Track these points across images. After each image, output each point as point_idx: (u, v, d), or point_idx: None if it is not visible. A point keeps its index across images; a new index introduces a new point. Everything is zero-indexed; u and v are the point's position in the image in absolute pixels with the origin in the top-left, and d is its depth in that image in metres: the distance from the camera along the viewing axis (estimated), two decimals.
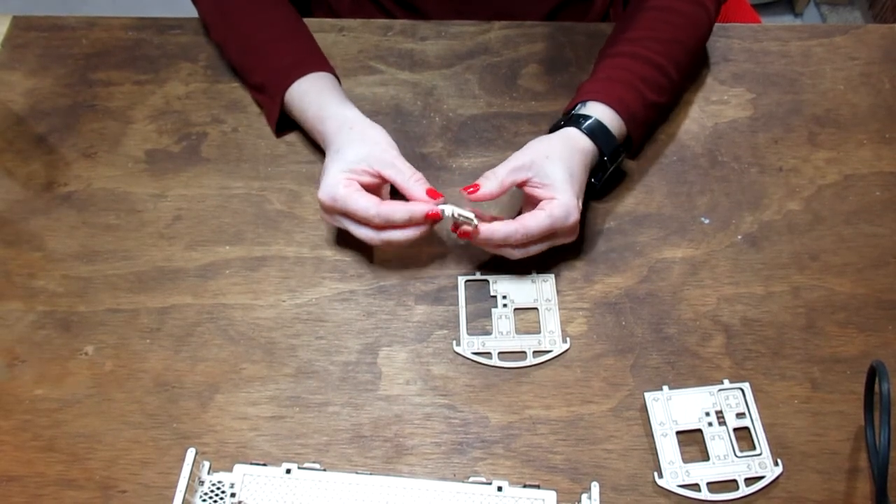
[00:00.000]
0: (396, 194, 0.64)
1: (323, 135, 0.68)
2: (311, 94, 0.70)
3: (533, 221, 0.61)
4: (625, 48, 0.71)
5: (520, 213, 0.67)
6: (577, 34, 0.82)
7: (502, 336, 0.64)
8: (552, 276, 0.67)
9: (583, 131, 0.66)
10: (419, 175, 0.63)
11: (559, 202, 0.61)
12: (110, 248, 0.68)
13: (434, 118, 0.76)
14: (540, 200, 0.62)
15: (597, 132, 0.66)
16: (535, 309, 0.65)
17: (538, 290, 0.66)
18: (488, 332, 0.64)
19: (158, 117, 0.76)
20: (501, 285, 0.66)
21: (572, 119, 0.67)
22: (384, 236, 0.62)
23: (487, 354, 0.63)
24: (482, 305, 0.65)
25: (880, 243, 0.69)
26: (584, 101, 0.69)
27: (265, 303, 0.65)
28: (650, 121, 0.72)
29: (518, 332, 0.64)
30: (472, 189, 0.63)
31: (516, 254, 0.63)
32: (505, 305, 0.65)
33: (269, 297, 0.66)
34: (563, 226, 0.62)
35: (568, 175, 0.63)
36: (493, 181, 0.63)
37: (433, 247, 0.69)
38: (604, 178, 0.69)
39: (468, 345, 0.63)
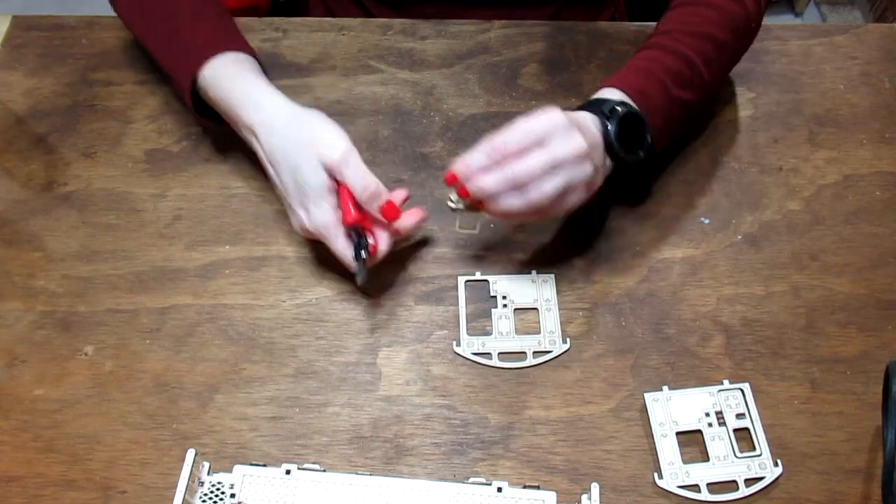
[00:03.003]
0: None
1: (252, 135, 0.63)
2: (225, 82, 0.64)
3: (505, 131, 0.57)
4: (652, 41, 0.69)
5: None
6: (577, 34, 0.82)
7: (502, 336, 0.64)
8: (552, 276, 0.67)
9: (589, 111, 0.62)
10: (373, 187, 0.59)
11: (541, 108, 0.57)
12: (110, 248, 0.68)
13: (434, 118, 0.76)
14: None
15: (596, 105, 0.62)
16: (535, 309, 0.65)
17: (538, 291, 0.66)
18: (488, 333, 0.64)
19: (158, 117, 0.76)
20: (501, 285, 0.66)
21: (584, 105, 0.64)
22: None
23: (487, 355, 0.63)
24: (482, 306, 0.65)
25: (880, 243, 0.69)
26: (601, 89, 0.65)
27: (265, 303, 0.65)
28: (674, 114, 0.66)
29: (518, 332, 0.64)
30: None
31: (530, 197, 0.57)
32: (505, 306, 0.65)
33: (269, 298, 0.66)
34: (543, 129, 0.56)
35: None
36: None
37: (433, 247, 0.69)
38: (613, 133, 0.61)
39: (468, 345, 0.63)
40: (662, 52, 0.67)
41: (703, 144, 0.75)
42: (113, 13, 0.75)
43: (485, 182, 0.57)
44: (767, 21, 0.76)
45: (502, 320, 0.65)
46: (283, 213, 0.70)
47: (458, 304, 0.65)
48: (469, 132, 0.75)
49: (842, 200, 0.71)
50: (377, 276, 0.67)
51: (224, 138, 0.75)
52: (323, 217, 0.60)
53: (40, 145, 0.75)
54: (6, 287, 0.66)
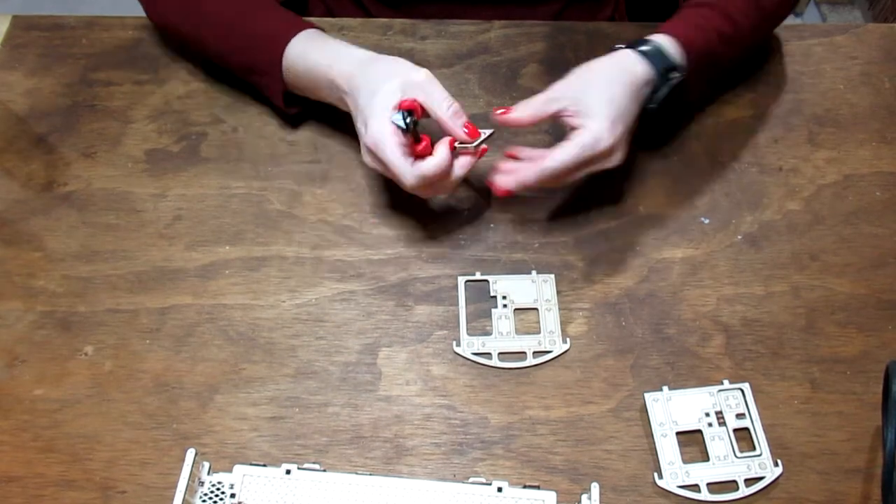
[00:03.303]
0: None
1: (340, 88, 0.64)
2: (313, 53, 0.66)
3: (560, 154, 0.60)
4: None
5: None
6: (577, 34, 0.82)
7: (502, 336, 0.64)
8: (552, 276, 0.67)
9: (637, 52, 0.65)
10: (456, 106, 0.62)
11: (588, 129, 0.61)
12: (110, 248, 0.68)
13: None
14: (573, 129, 0.62)
15: (651, 53, 0.65)
16: (535, 309, 0.65)
17: (538, 291, 0.66)
18: (488, 333, 0.64)
19: (158, 117, 0.76)
20: (501, 285, 0.66)
21: (630, 43, 0.66)
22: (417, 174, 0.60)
23: (487, 355, 0.63)
24: (482, 306, 0.65)
25: (880, 243, 0.69)
26: (661, 34, 0.68)
27: (265, 303, 0.65)
28: (711, 70, 0.70)
29: (518, 332, 0.64)
30: (502, 111, 0.63)
31: (552, 185, 0.63)
32: (505, 306, 0.65)
33: (269, 298, 0.66)
34: (594, 153, 0.61)
35: (605, 101, 0.62)
36: (524, 108, 0.63)
37: (433, 247, 0.69)
38: (659, 98, 0.66)
39: (468, 345, 0.63)
40: (716, 13, 0.69)
41: (703, 144, 0.75)
42: (113, 14, 0.75)
43: (528, 181, 0.62)
44: None
45: (502, 320, 0.65)
46: (283, 213, 0.70)
47: (458, 304, 0.65)
48: None
49: (842, 200, 0.71)
50: (377, 277, 0.67)
51: (224, 138, 0.75)
52: (380, 127, 0.60)
53: (40, 145, 0.75)
54: (6, 287, 0.66)
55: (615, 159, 0.63)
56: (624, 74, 0.64)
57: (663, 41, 0.66)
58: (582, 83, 0.63)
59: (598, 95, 0.62)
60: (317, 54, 0.66)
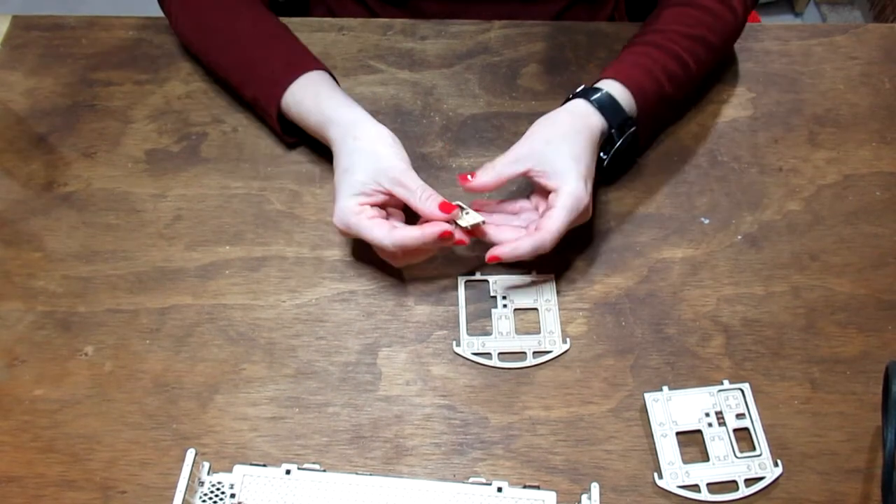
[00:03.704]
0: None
1: (330, 143, 0.66)
2: (307, 102, 0.68)
3: (553, 224, 0.60)
4: (648, 38, 0.71)
5: (528, 198, 0.67)
6: (577, 34, 0.82)
7: (502, 336, 0.64)
8: (552, 276, 0.67)
9: (591, 103, 0.65)
10: (429, 191, 0.61)
11: (567, 191, 0.61)
12: (110, 248, 0.68)
13: (434, 118, 0.76)
14: (546, 189, 0.62)
15: (605, 104, 0.65)
16: (536, 309, 0.65)
17: (538, 291, 0.66)
18: (488, 333, 0.64)
19: (158, 117, 0.76)
20: (501, 285, 0.66)
21: (582, 91, 0.67)
22: (397, 241, 0.60)
23: (487, 355, 0.63)
24: (482, 306, 0.65)
25: (880, 243, 0.69)
26: (599, 80, 0.68)
27: (265, 303, 0.65)
28: (661, 112, 0.71)
29: (518, 332, 0.64)
30: (468, 177, 0.63)
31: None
32: (505, 306, 0.65)
33: (269, 298, 0.66)
34: (577, 213, 0.61)
35: (571, 159, 0.62)
36: (489, 172, 0.63)
37: None
38: (612, 153, 0.67)
39: (468, 345, 0.63)
40: (662, 53, 0.69)
41: (703, 144, 0.75)
42: (113, 14, 0.75)
43: (519, 252, 0.61)
44: (767, 21, 0.76)
45: (502, 320, 0.65)
46: (283, 213, 0.70)
47: (458, 304, 0.65)
48: (469, 132, 0.75)
49: (842, 200, 0.71)
50: (377, 277, 0.67)
51: (224, 138, 0.75)
52: (343, 206, 0.61)
53: (40, 145, 0.75)
54: (6, 287, 0.66)
55: (588, 215, 0.64)
56: (584, 129, 0.64)
57: (615, 90, 0.67)
58: (544, 142, 0.63)
59: (564, 154, 0.62)
60: (310, 105, 0.67)
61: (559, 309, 0.65)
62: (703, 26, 0.71)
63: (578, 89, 0.68)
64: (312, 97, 0.68)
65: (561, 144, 0.62)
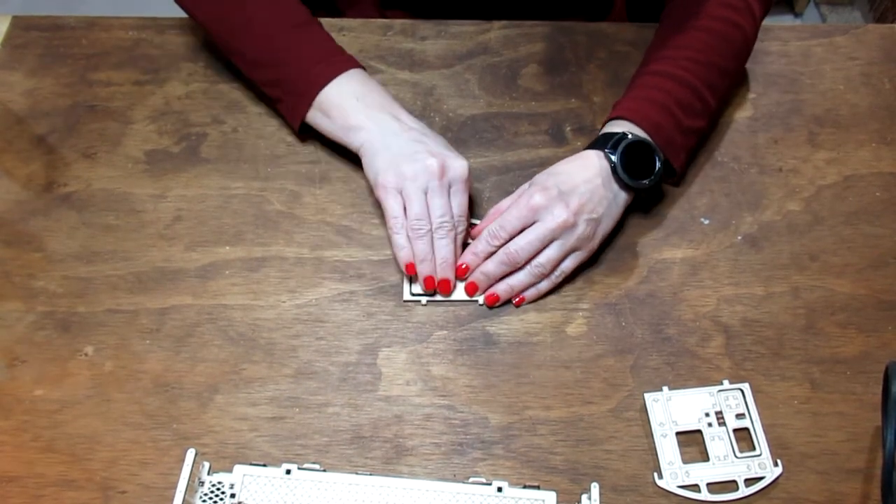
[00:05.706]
0: None
1: (356, 149, 0.68)
2: (334, 110, 0.68)
3: (494, 209, 0.66)
4: (656, 66, 0.69)
5: None
6: (577, 34, 0.82)
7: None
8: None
9: (606, 157, 0.65)
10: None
11: (524, 187, 0.65)
12: (110, 248, 0.68)
13: (434, 118, 0.76)
14: None
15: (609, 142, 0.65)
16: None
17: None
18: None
19: (158, 117, 0.76)
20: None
21: (601, 139, 0.66)
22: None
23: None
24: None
25: (880, 243, 0.69)
26: (615, 119, 0.68)
27: (265, 303, 0.65)
28: (690, 143, 0.69)
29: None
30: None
31: (528, 278, 0.64)
32: None
33: (269, 298, 0.66)
34: (528, 210, 0.63)
35: (548, 174, 0.65)
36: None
37: None
38: (641, 186, 0.65)
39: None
40: (672, 82, 0.68)
41: (703, 144, 0.75)
42: (113, 14, 0.75)
43: (486, 268, 0.64)
44: (767, 21, 0.76)
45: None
46: (283, 213, 0.70)
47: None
48: (469, 133, 0.75)
49: (842, 201, 0.71)
50: (377, 277, 0.67)
51: (224, 139, 0.75)
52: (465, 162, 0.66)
53: (40, 145, 0.75)
54: (6, 287, 0.66)
55: (579, 230, 0.63)
56: (603, 171, 0.65)
57: (634, 131, 0.66)
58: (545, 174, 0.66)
59: (547, 171, 0.66)
60: (337, 114, 0.68)
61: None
62: (710, 50, 0.69)
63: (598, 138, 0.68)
64: (351, 98, 0.68)
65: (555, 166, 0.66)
